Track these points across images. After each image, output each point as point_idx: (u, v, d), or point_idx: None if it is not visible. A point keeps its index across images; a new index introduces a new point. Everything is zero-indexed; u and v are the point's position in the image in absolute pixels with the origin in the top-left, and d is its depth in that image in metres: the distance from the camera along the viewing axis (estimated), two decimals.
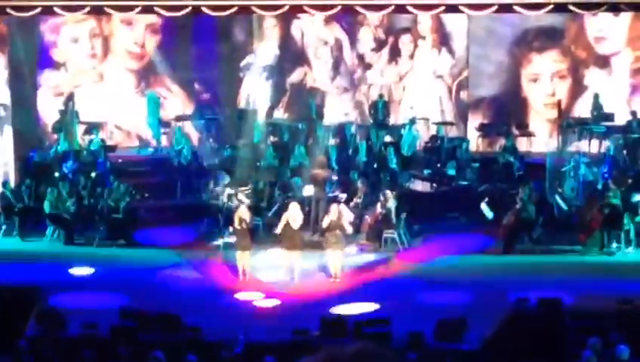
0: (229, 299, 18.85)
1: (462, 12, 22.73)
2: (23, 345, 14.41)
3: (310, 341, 14.98)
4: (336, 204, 20.35)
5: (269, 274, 20.06)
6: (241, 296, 19.01)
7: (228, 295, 19.05)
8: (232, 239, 20.54)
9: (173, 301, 18.01)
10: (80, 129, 26.35)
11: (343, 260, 19.96)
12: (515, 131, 26.65)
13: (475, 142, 26.67)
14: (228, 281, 19.81)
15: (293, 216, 19.78)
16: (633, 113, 25.79)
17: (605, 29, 26.81)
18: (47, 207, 22.62)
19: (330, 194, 22.42)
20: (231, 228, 20.48)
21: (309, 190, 22.55)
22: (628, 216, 21.22)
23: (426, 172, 25.05)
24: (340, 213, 19.91)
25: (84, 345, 14.57)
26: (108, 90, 27.61)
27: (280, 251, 20.02)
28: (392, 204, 21.50)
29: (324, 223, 19.87)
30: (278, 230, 19.86)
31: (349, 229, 20.09)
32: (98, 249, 22.04)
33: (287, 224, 19.70)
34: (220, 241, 21.65)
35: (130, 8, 23.77)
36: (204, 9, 23.92)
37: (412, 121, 26.26)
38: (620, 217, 21.16)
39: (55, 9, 23.84)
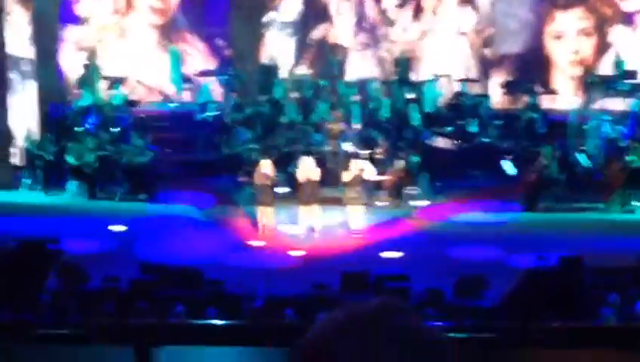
0: (249, 253, 18.92)
1: None
2: (45, 299, 14.53)
3: (330, 295, 15.04)
4: (356, 160, 20.31)
5: (290, 229, 20.12)
6: (261, 250, 19.09)
7: (249, 249, 19.12)
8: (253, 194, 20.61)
9: (194, 255, 18.11)
10: (103, 84, 26.36)
11: (363, 216, 19.99)
12: (539, 88, 26.45)
13: (498, 99, 26.53)
14: (249, 236, 19.89)
15: (306, 170, 19.83)
16: None
17: None
18: (70, 161, 22.74)
19: (350, 150, 22.38)
20: (254, 183, 20.48)
21: (328, 145, 22.62)
22: None
23: (448, 129, 24.95)
24: (361, 169, 19.92)
25: (105, 299, 14.67)
26: (130, 45, 27.57)
27: (299, 206, 20.05)
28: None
29: (345, 178, 19.88)
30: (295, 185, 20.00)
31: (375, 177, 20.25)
32: (120, 203, 22.18)
33: (304, 179, 19.78)
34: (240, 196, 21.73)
35: None
36: None
37: (435, 78, 26.13)
38: None
39: None
